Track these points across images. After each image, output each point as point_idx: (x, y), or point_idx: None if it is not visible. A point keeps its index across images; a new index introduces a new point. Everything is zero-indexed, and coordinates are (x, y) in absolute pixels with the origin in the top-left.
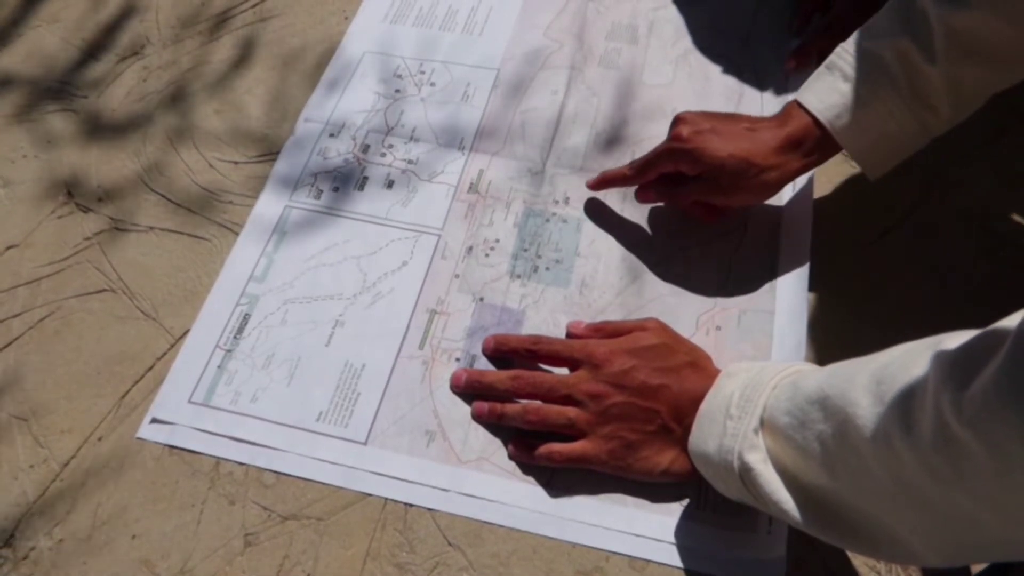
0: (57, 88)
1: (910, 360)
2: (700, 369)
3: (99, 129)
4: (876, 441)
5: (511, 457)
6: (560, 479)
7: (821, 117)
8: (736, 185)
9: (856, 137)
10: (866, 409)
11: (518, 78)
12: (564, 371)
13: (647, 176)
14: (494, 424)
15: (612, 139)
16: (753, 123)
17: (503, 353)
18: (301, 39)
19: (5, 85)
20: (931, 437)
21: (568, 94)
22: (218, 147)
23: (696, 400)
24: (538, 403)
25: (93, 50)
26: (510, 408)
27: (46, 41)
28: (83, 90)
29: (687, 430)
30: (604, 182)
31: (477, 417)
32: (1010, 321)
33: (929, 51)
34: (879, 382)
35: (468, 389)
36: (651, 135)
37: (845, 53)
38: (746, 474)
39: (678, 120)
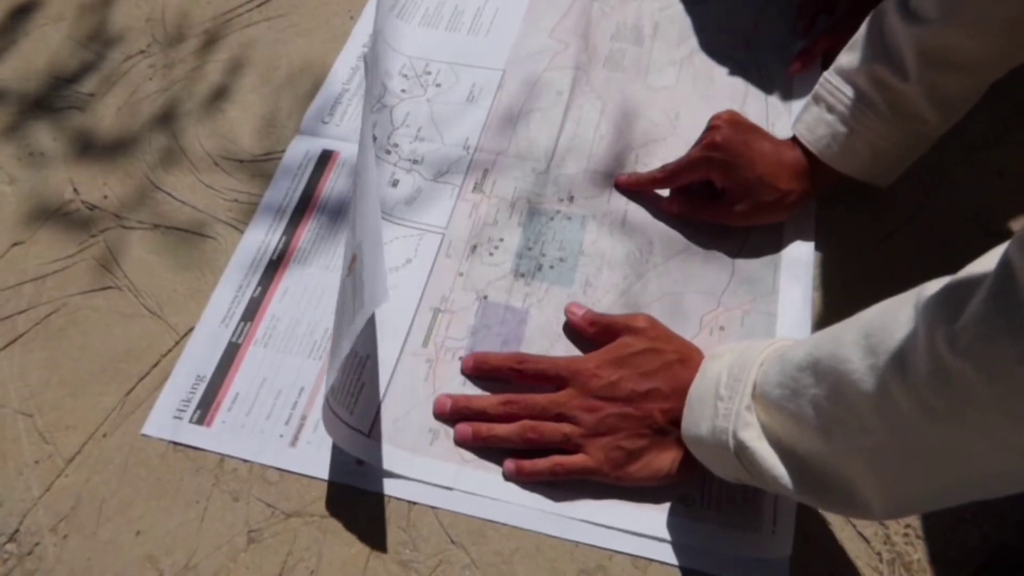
0: (63, 86)
1: (896, 308)
2: (690, 365)
3: (105, 127)
4: (872, 392)
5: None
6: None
7: (812, 148)
8: (759, 205)
9: (849, 161)
10: (858, 363)
11: (523, 78)
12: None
13: (678, 181)
14: (478, 447)
15: (616, 139)
16: (775, 144)
17: (484, 372)
18: (307, 38)
19: (11, 83)
20: (927, 376)
21: (573, 95)
22: (224, 145)
23: (685, 390)
24: (533, 422)
25: (98, 48)
26: (501, 429)
27: (52, 39)
28: (88, 88)
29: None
30: (634, 183)
31: (460, 442)
32: (991, 256)
33: (901, 70)
34: (867, 335)
35: (456, 416)
36: (655, 136)
37: (827, 83)
38: (742, 452)
39: (713, 127)
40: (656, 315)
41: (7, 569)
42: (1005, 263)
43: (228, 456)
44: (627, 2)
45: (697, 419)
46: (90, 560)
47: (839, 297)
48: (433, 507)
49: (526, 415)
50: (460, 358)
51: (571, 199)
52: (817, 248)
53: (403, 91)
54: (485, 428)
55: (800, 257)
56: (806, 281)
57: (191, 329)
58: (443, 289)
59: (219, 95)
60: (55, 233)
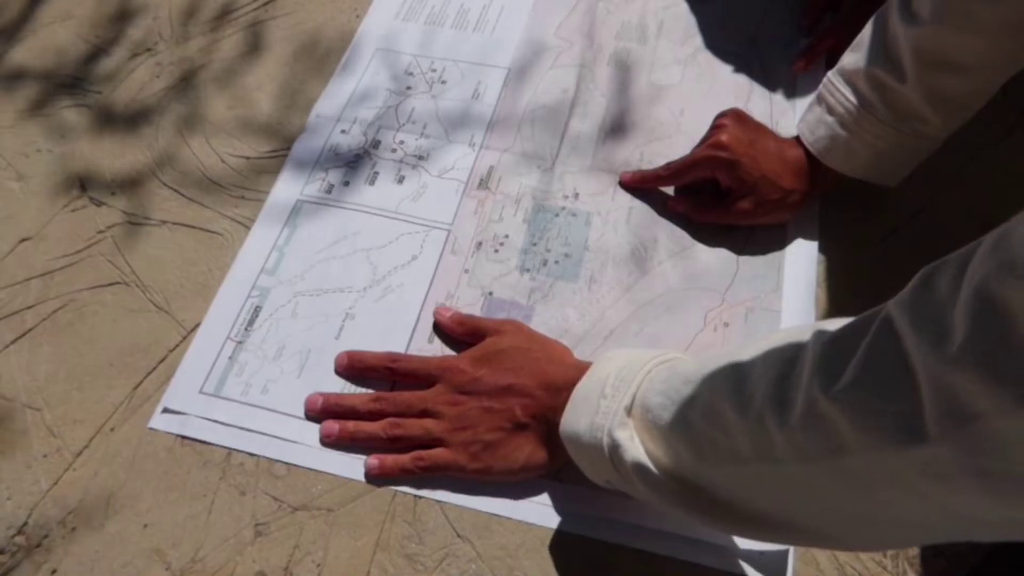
0: (70, 83)
1: (785, 340)
2: (556, 361)
3: (112, 124)
4: (746, 418)
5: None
6: (568, 473)
7: (812, 149)
8: (764, 204)
9: (849, 162)
10: (737, 384)
11: (528, 76)
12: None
13: (683, 179)
14: (344, 445)
15: (621, 137)
16: (779, 143)
17: (358, 371)
18: (312, 36)
19: (19, 80)
20: (801, 413)
21: (578, 93)
22: (230, 142)
23: (552, 388)
24: (397, 419)
25: (105, 46)
26: (367, 426)
27: (59, 37)
28: (96, 85)
29: (542, 422)
30: (639, 181)
31: (325, 438)
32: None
33: (900, 72)
34: (754, 362)
35: (326, 414)
36: (659, 134)
37: (830, 84)
38: (615, 452)
39: (719, 126)
40: (661, 310)
41: (16, 561)
42: (885, 321)
43: (235, 450)
44: (632, 1)
45: (578, 415)
46: (98, 553)
47: (842, 294)
48: (439, 501)
49: (394, 412)
50: (358, 350)
51: (576, 195)
52: (820, 245)
53: (408, 88)
54: (352, 425)
55: (804, 254)
56: (809, 278)
57: (198, 324)
58: (449, 285)
59: (225, 93)
60: (63, 229)
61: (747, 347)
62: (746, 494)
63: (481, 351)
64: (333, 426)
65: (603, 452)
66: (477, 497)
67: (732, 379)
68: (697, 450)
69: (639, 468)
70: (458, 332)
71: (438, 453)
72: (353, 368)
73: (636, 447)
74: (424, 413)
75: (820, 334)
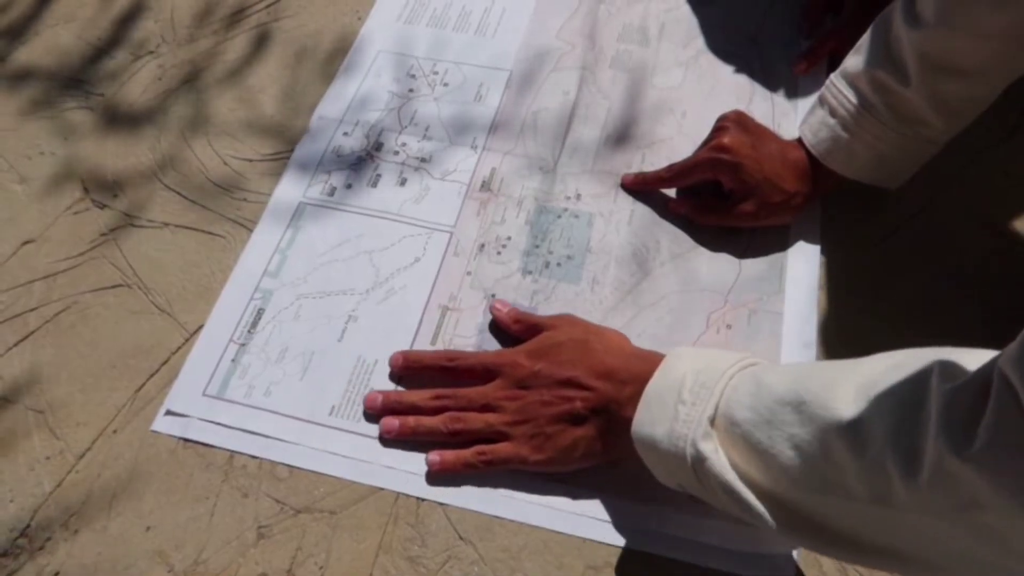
0: (73, 86)
1: (901, 379)
2: (614, 352)
3: (114, 126)
4: (865, 463)
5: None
6: (574, 474)
7: (815, 151)
8: (766, 206)
9: (851, 165)
10: (853, 425)
11: (530, 79)
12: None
13: (685, 181)
14: (406, 440)
15: (623, 139)
16: (781, 145)
17: (416, 371)
18: (315, 39)
19: (22, 82)
20: (929, 474)
21: (579, 95)
22: (232, 144)
23: (614, 379)
24: (458, 412)
25: (108, 48)
26: (428, 420)
27: (62, 39)
28: (99, 88)
29: (603, 414)
30: (641, 183)
31: (385, 434)
32: (984, 355)
33: (903, 75)
34: (868, 398)
35: (386, 410)
36: (661, 136)
37: (832, 86)
38: (699, 464)
39: (720, 128)
40: (663, 312)
41: (19, 564)
42: (1002, 379)
43: (237, 452)
44: (633, 3)
45: (653, 419)
46: (100, 555)
47: (844, 296)
48: (441, 503)
49: (455, 407)
50: (415, 350)
51: (578, 197)
52: (822, 247)
53: (411, 91)
54: (412, 420)
55: (805, 256)
56: (811, 280)
57: (201, 326)
58: (451, 287)
59: (228, 95)
60: (65, 231)
61: (843, 373)
62: (848, 524)
63: (537, 344)
64: (393, 422)
65: (685, 461)
66: (479, 499)
67: (841, 415)
68: (797, 478)
69: (727, 485)
70: (514, 329)
71: (500, 447)
72: (409, 367)
73: (722, 460)
74: (484, 408)
75: (941, 382)
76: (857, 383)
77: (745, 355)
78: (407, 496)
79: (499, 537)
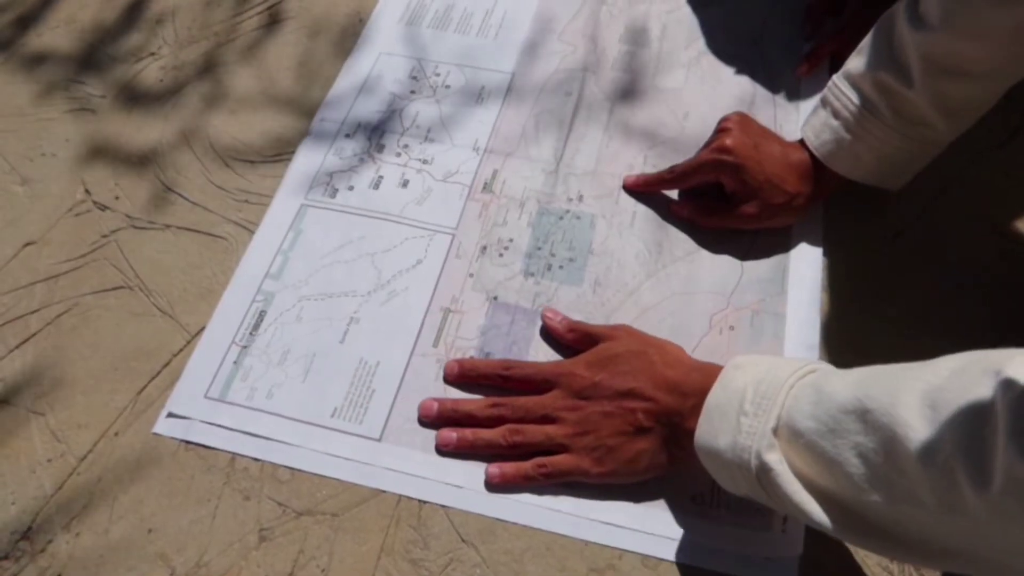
0: (75, 88)
1: (966, 386)
2: (673, 364)
3: (116, 128)
4: (934, 472)
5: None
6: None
7: (817, 153)
8: (768, 208)
9: (853, 166)
10: (920, 433)
11: (532, 80)
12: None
13: (687, 183)
14: (464, 453)
15: (625, 141)
16: (783, 146)
17: (471, 379)
18: (316, 41)
19: (24, 84)
20: (1002, 482)
21: (582, 96)
22: (234, 146)
23: (676, 391)
24: (517, 425)
25: (110, 50)
26: (486, 433)
27: (64, 41)
28: (100, 89)
29: (665, 425)
30: (643, 184)
31: (443, 447)
32: None
33: (906, 76)
34: (933, 406)
35: (442, 420)
36: (663, 138)
37: (835, 87)
38: (764, 474)
39: (723, 129)
40: (666, 314)
41: (20, 567)
42: None
43: (239, 455)
44: (635, 4)
45: (716, 431)
46: (102, 558)
47: (847, 298)
48: (444, 506)
49: (513, 417)
50: (470, 358)
51: (580, 198)
52: (825, 249)
53: (412, 92)
54: (470, 433)
55: (808, 258)
56: (814, 282)
57: (202, 328)
58: (453, 289)
59: (229, 97)
60: (67, 233)
61: (905, 381)
62: (916, 529)
63: (596, 355)
64: (451, 434)
65: (750, 472)
66: (481, 501)
67: (907, 424)
68: (864, 486)
69: (792, 495)
70: (568, 339)
71: (561, 459)
72: (465, 376)
73: (786, 471)
74: (543, 419)
75: (1006, 388)
76: (921, 391)
77: (803, 362)
78: (409, 499)
79: (501, 540)
